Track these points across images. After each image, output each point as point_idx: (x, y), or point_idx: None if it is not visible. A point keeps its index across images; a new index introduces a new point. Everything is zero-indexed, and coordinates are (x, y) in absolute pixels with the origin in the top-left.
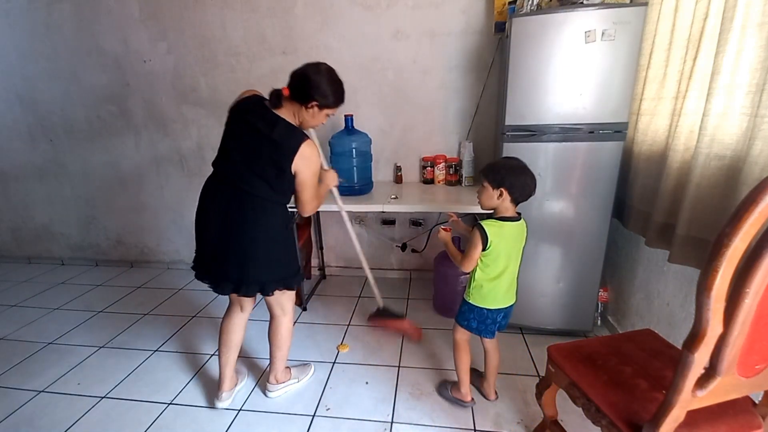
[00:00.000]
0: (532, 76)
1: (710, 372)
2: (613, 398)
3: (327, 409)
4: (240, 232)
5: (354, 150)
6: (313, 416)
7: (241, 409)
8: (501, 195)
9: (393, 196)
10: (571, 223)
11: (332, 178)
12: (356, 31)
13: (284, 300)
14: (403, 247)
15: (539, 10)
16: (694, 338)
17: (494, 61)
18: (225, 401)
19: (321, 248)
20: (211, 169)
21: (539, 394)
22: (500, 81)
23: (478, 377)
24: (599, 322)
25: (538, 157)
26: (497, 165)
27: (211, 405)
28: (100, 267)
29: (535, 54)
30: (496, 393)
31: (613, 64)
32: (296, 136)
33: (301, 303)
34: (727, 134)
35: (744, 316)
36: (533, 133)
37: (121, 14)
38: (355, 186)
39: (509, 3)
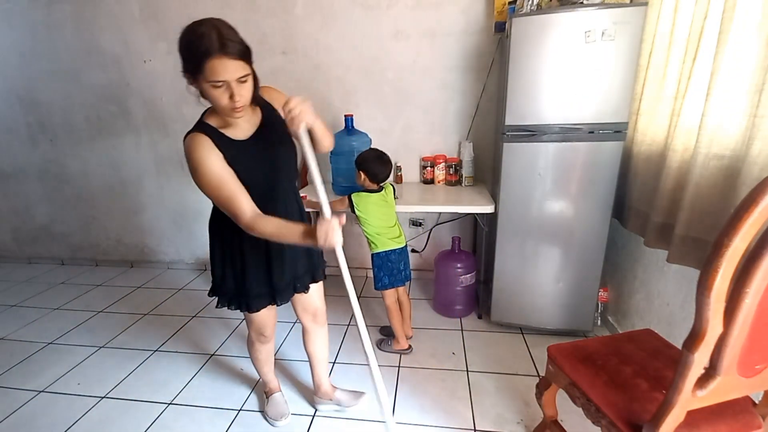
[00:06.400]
0: (532, 76)
1: (710, 372)
2: (613, 398)
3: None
4: None
5: (354, 150)
6: (313, 416)
7: (241, 409)
8: (361, 176)
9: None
10: (571, 223)
11: (323, 233)
12: (356, 31)
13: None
14: None
15: (539, 10)
16: (694, 338)
17: (494, 61)
18: (317, 406)
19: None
20: None
21: (539, 394)
22: (500, 81)
23: (391, 333)
24: (599, 322)
25: (538, 157)
26: (360, 155)
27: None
28: (100, 267)
29: (535, 54)
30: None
31: (613, 64)
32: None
33: None
34: (726, 134)
35: (744, 316)
36: (533, 133)
37: (121, 14)
38: (355, 186)
39: (509, 3)
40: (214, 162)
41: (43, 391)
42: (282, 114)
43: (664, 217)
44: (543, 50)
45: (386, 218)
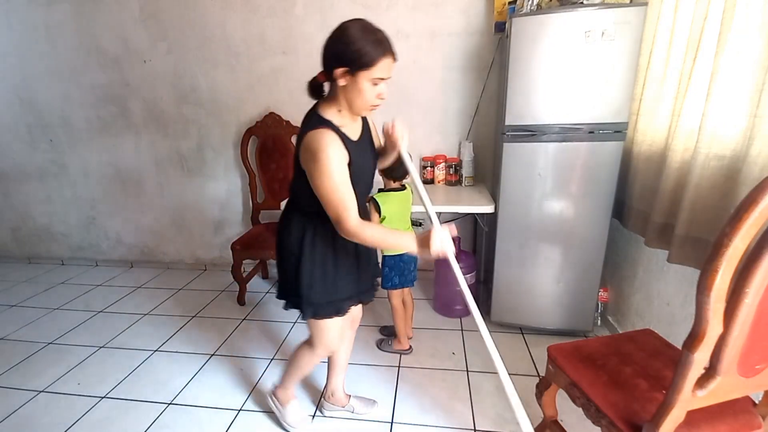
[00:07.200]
0: (532, 76)
1: (710, 372)
2: (613, 398)
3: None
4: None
5: None
6: (314, 416)
7: (241, 409)
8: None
9: None
10: (571, 223)
11: (438, 241)
12: None
13: (311, 328)
14: None
15: (539, 10)
16: (694, 338)
17: (494, 61)
18: (325, 411)
19: None
20: (211, 169)
21: (539, 394)
22: (500, 81)
23: (391, 333)
24: (599, 322)
25: (538, 157)
26: None
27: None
28: (100, 267)
29: (535, 54)
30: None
31: (613, 64)
32: (309, 123)
33: None
34: (727, 134)
35: (744, 316)
36: (533, 133)
37: (121, 14)
38: None
39: (509, 3)
40: (342, 161)
41: (43, 391)
42: (384, 129)
43: (665, 217)
44: (543, 50)
45: (405, 219)
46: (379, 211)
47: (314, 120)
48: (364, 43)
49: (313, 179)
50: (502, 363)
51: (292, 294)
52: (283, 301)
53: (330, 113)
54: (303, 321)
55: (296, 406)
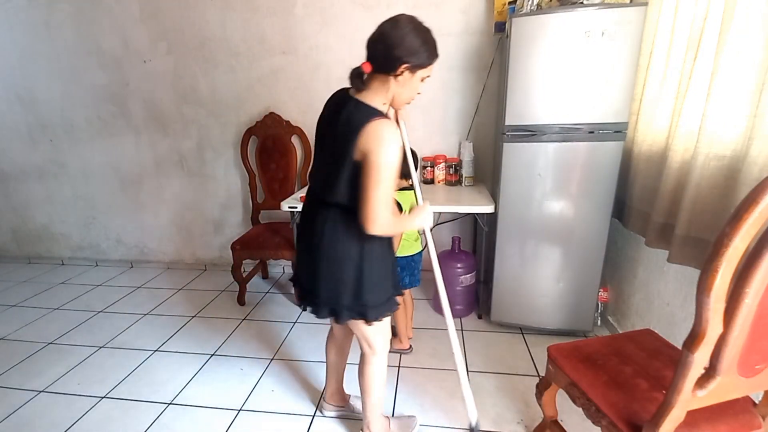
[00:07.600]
0: (532, 76)
1: (710, 372)
2: (613, 398)
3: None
4: (310, 246)
5: None
6: (313, 416)
7: (241, 409)
8: None
9: None
10: (571, 223)
11: (428, 216)
12: (356, 31)
13: (370, 334)
14: None
15: (539, 10)
16: (694, 338)
17: (494, 61)
18: (326, 412)
19: None
20: (211, 169)
21: (539, 394)
22: (500, 81)
23: (393, 332)
24: (599, 322)
25: (538, 157)
26: None
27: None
28: (100, 267)
29: (535, 54)
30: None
31: (614, 64)
32: (367, 112)
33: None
34: (727, 134)
35: (744, 316)
36: (533, 133)
37: (121, 14)
38: None
39: (509, 3)
40: (399, 160)
41: (43, 391)
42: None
43: (665, 217)
44: (543, 50)
45: None
46: (401, 209)
47: (371, 110)
48: (429, 42)
49: (373, 168)
50: (459, 349)
51: (347, 303)
52: (309, 313)
53: (377, 104)
54: (367, 324)
55: (403, 424)
